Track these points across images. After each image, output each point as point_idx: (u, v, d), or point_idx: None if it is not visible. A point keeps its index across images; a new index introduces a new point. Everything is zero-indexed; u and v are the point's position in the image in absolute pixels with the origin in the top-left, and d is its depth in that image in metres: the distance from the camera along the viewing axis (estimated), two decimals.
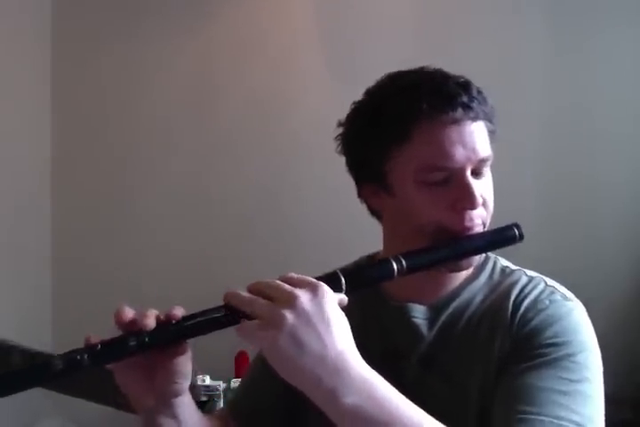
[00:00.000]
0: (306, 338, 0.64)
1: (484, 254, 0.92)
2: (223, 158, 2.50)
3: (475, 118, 0.83)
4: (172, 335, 0.71)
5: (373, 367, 0.67)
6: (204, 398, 2.06)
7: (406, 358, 0.88)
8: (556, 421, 0.72)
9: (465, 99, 0.82)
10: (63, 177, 2.60)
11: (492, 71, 2.24)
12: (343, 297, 0.70)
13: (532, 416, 0.73)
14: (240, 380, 1.07)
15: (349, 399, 0.63)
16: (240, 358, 2.13)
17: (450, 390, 0.85)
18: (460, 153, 0.81)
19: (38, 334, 2.46)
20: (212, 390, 2.09)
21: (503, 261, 0.94)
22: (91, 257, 2.56)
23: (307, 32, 2.41)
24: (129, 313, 0.71)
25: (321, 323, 0.64)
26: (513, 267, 0.93)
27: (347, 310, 0.71)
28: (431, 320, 0.88)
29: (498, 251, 0.92)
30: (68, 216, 2.60)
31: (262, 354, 0.90)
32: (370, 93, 0.90)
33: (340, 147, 0.92)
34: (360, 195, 0.93)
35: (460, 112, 0.81)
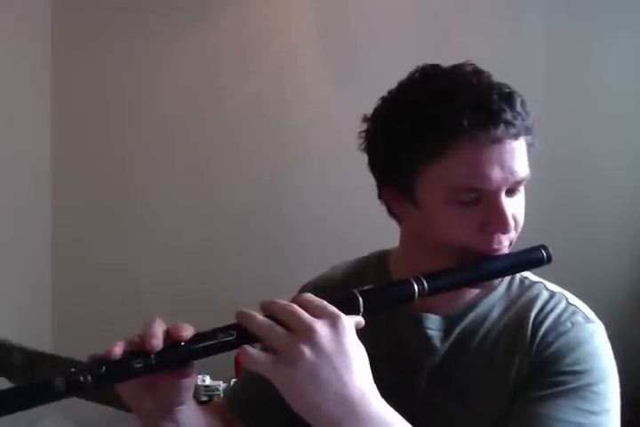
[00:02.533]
0: (324, 377, 0.60)
1: None
2: (223, 158, 2.50)
3: (516, 136, 0.78)
4: (180, 358, 0.68)
5: (380, 373, 0.65)
6: (204, 398, 2.06)
7: (417, 369, 0.86)
8: None
9: (509, 116, 0.77)
10: (63, 177, 2.60)
11: (492, 69, 2.23)
12: (360, 320, 0.67)
13: None
14: (240, 373, 1.05)
15: None
16: (240, 358, 2.13)
17: (459, 407, 0.83)
18: (497, 175, 0.76)
19: (38, 334, 2.46)
20: (212, 390, 2.09)
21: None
22: (91, 257, 2.56)
23: (307, 32, 2.41)
24: (118, 349, 0.66)
25: (340, 361, 0.61)
26: (533, 278, 0.89)
27: None
28: (445, 332, 0.85)
29: None
30: (68, 216, 2.60)
31: None
32: (402, 91, 0.84)
33: (363, 144, 0.86)
34: (381, 196, 0.88)
35: (501, 130, 0.76)
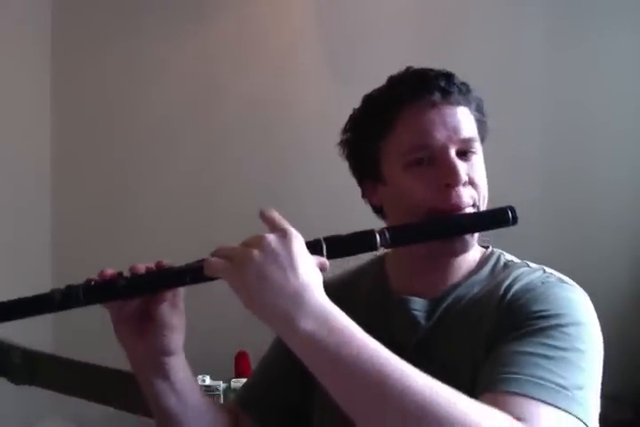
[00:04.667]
0: (270, 274, 0.67)
1: (488, 249, 0.92)
2: (224, 158, 2.50)
3: (455, 103, 0.84)
4: (159, 279, 0.77)
5: None
6: None
7: (404, 349, 0.85)
8: (534, 380, 0.69)
9: (443, 83, 0.83)
10: (63, 177, 2.60)
11: (492, 69, 2.24)
12: (324, 260, 0.73)
13: (512, 375, 0.70)
14: (248, 377, 1.07)
15: (305, 325, 0.65)
16: (240, 358, 2.13)
17: (444, 378, 0.83)
18: (440, 132, 0.83)
19: (38, 334, 2.46)
20: (212, 390, 2.09)
21: (508, 256, 0.93)
22: (91, 257, 2.55)
23: (307, 32, 2.41)
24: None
25: (285, 259, 0.68)
26: (517, 261, 0.92)
27: (353, 304, 0.72)
28: (429, 312, 0.88)
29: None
30: (68, 216, 2.60)
31: (277, 348, 0.95)
32: (364, 97, 0.93)
33: (342, 152, 0.94)
34: (363, 195, 0.94)
35: (437, 96, 0.83)
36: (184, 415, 0.84)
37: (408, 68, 0.91)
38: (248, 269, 0.68)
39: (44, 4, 2.53)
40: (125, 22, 2.52)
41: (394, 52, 2.23)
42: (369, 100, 0.92)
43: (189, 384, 0.85)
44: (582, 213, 2.24)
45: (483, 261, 0.91)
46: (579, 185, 2.25)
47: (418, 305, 0.89)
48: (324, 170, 2.39)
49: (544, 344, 0.73)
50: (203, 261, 0.74)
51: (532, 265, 0.89)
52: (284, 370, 0.95)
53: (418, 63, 0.89)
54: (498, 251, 0.93)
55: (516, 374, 0.70)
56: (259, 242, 0.70)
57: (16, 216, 2.40)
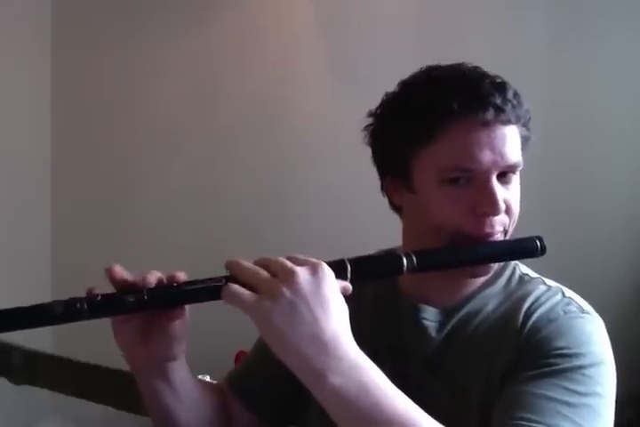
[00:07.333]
0: (300, 317, 0.63)
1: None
2: (224, 159, 2.50)
3: (507, 122, 0.79)
4: (171, 298, 0.72)
5: (378, 363, 0.66)
6: None
7: (412, 359, 0.87)
8: None
9: (498, 100, 0.78)
10: (63, 177, 2.60)
11: (492, 69, 2.23)
12: (347, 285, 0.70)
13: (531, 424, 0.69)
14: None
15: (335, 380, 0.62)
16: (240, 358, 2.13)
17: (452, 395, 0.83)
18: (486, 156, 0.78)
19: (38, 334, 2.45)
20: None
21: (523, 268, 0.91)
22: (91, 257, 2.55)
23: (307, 33, 2.41)
24: (122, 272, 0.74)
25: (316, 302, 0.64)
26: (532, 275, 0.89)
27: (360, 303, 0.71)
28: (441, 323, 0.86)
29: None
30: (68, 216, 2.60)
31: None
32: (402, 85, 0.87)
33: (366, 138, 0.89)
34: (382, 188, 0.90)
35: (491, 114, 0.78)
36: (181, 411, 0.84)
37: (458, 67, 0.85)
38: (276, 310, 0.63)
39: (44, 4, 2.53)
40: (125, 22, 2.52)
41: (394, 53, 2.23)
42: (410, 92, 0.84)
43: (188, 383, 0.84)
44: (582, 213, 2.24)
45: (498, 271, 0.88)
46: (579, 185, 2.25)
47: (430, 315, 0.87)
48: (323, 170, 2.40)
49: (565, 388, 0.72)
50: (222, 279, 0.69)
51: (549, 282, 0.88)
52: (276, 364, 0.94)
53: (417, 64, 0.88)
54: (512, 262, 0.90)
55: (536, 422, 0.69)
56: (289, 278, 0.64)
57: (16, 216, 2.40)
